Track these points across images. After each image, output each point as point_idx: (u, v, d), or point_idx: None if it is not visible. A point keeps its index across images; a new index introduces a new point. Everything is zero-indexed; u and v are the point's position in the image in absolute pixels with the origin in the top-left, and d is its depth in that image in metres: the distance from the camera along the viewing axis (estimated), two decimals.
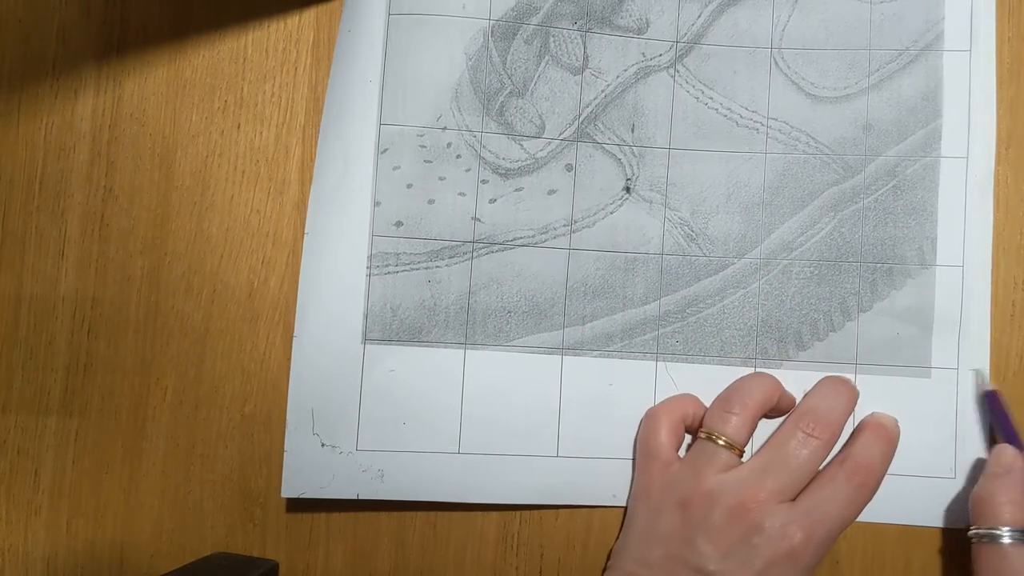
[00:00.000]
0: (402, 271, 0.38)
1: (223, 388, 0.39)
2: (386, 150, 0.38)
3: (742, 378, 0.37)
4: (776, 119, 0.39)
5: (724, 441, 0.35)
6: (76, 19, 0.40)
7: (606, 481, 0.38)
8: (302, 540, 0.38)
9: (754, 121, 0.39)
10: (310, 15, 0.40)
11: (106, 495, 0.39)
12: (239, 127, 0.39)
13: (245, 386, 0.39)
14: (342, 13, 0.39)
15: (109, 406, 0.39)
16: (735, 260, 0.38)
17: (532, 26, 0.38)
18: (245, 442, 0.39)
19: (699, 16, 0.39)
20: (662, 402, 0.38)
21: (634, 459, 0.38)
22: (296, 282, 0.39)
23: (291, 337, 0.38)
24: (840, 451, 0.36)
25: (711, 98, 0.39)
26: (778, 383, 0.37)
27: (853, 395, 0.37)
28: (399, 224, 0.38)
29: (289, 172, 0.39)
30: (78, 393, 0.39)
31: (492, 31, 0.38)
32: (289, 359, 0.38)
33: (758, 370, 0.38)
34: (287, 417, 0.37)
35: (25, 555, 0.39)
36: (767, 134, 0.39)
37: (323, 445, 0.37)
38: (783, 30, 0.39)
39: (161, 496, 0.39)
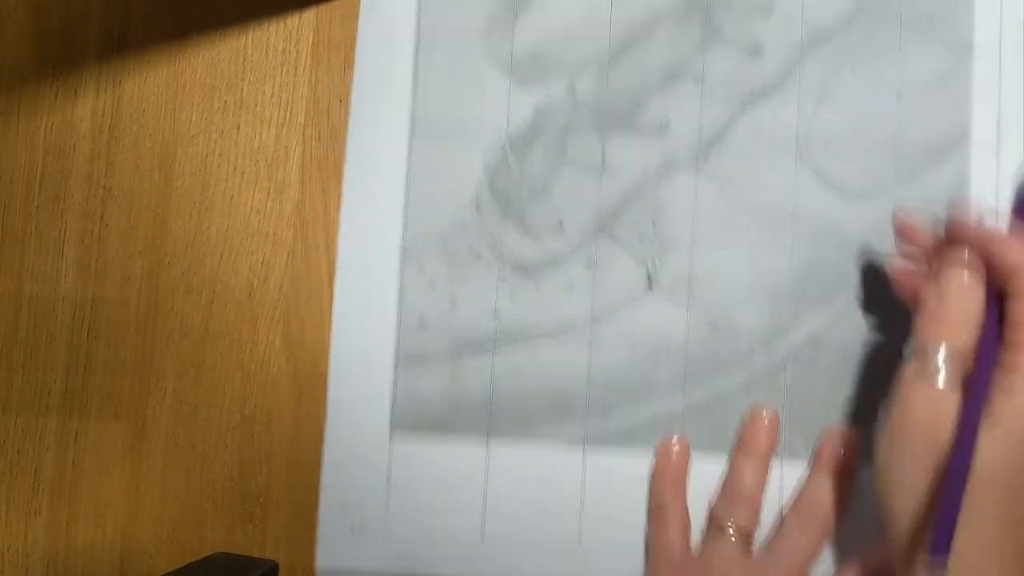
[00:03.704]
0: (427, 367, 0.38)
1: (223, 389, 0.39)
2: (410, 252, 0.39)
3: (744, 462, 0.36)
4: (801, 214, 0.38)
5: (733, 530, 0.35)
6: (76, 19, 0.40)
7: (629, 568, 0.37)
8: (302, 540, 0.38)
9: (779, 216, 0.38)
10: (310, 15, 0.40)
11: (106, 495, 0.39)
12: (239, 127, 0.39)
13: (245, 387, 0.39)
14: (363, 127, 0.39)
15: (109, 406, 0.39)
16: (761, 353, 0.38)
17: (550, 133, 0.39)
18: (245, 442, 0.39)
19: (721, 113, 0.38)
20: (665, 489, 0.37)
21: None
22: (296, 283, 0.39)
23: (290, 338, 0.38)
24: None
25: (734, 193, 0.38)
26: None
27: (845, 479, 0.36)
28: (423, 322, 0.38)
29: (289, 172, 0.39)
30: (78, 393, 0.39)
31: (511, 141, 0.39)
32: (289, 360, 0.38)
33: (784, 463, 0.37)
34: (319, 502, 0.38)
35: (25, 555, 0.39)
36: (792, 229, 0.38)
37: (352, 530, 0.38)
38: (808, 124, 0.38)
39: (161, 496, 0.39)
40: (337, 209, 0.39)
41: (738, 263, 0.38)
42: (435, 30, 0.39)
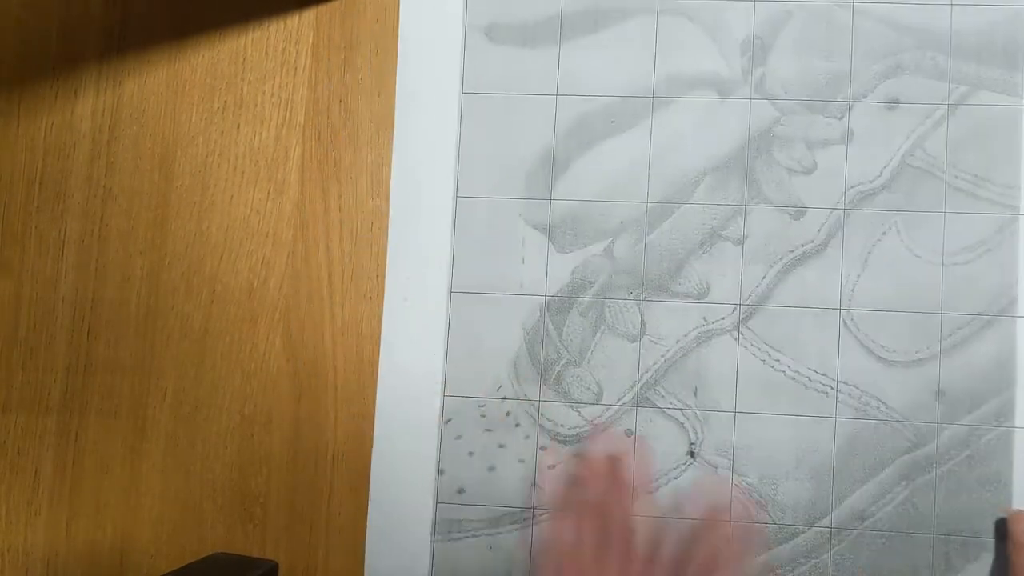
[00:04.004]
0: (465, 538, 0.38)
1: (223, 388, 0.39)
2: (449, 420, 0.39)
3: None
4: (846, 383, 0.38)
5: None
6: (76, 19, 0.40)
7: None
8: (302, 540, 0.38)
9: (823, 384, 0.38)
10: (310, 15, 0.40)
11: (106, 495, 0.39)
12: (239, 127, 0.39)
13: (245, 386, 0.39)
14: (401, 290, 0.39)
15: (109, 406, 0.39)
16: (805, 528, 0.37)
17: (587, 299, 0.38)
18: (245, 442, 0.39)
19: (763, 277, 0.38)
20: None
21: None
22: (296, 283, 0.39)
23: (290, 338, 0.38)
24: None
25: (778, 360, 0.38)
26: None
27: None
28: (461, 491, 0.38)
29: (289, 172, 0.39)
30: (78, 393, 0.39)
31: (548, 306, 0.39)
32: (289, 361, 0.38)
33: None
34: None
35: (25, 555, 0.39)
36: (837, 398, 0.38)
37: None
38: (852, 291, 0.38)
39: (161, 496, 0.39)
40: (337, 209, 0.39)
41: (781, 434, 0.38)
42: (474, 192, 0.39)
